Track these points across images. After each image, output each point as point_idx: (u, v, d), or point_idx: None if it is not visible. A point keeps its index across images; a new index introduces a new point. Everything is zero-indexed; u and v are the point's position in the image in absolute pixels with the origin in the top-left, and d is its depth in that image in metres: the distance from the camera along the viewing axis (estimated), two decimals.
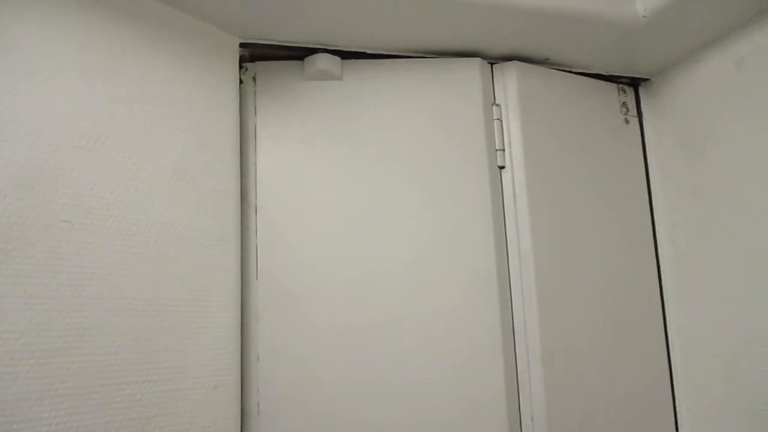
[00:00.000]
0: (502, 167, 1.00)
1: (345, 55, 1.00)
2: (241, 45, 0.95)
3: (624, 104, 1.13)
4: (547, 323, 0.95)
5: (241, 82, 0.97)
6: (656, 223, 1.10)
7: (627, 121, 1.13)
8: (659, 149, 1.11)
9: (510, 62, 1.04)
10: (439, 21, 0.94)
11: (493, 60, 1.04)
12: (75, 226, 0.70)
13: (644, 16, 0.95)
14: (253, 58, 0.99)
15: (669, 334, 1.07)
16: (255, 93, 0.98)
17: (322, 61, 0.98)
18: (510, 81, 1.03)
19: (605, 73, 1.11)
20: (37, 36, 0.72)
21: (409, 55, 1.02)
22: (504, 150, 1.01)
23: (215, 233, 0.86)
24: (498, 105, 1.02)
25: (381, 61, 1.01)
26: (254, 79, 0.99)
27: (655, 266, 1.09)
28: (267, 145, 0.97)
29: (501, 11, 0.92)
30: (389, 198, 0.97)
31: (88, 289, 0.71)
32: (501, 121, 1.02)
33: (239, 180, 0.92)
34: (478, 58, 1.02)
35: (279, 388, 0.89)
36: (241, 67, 0.97)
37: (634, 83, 1.15)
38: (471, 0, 0.90)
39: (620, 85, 1.14)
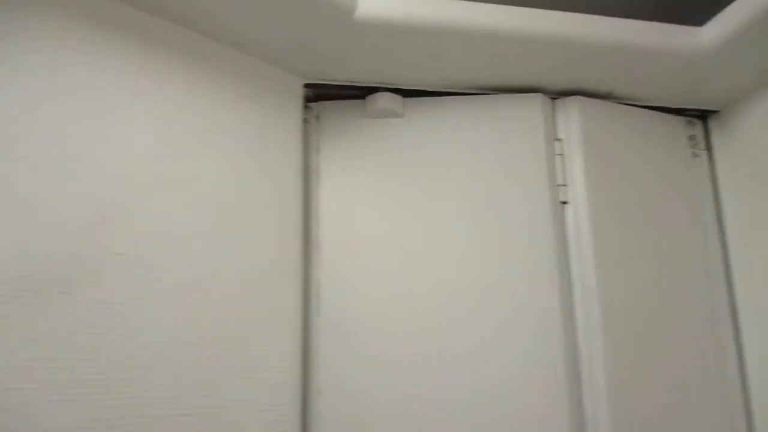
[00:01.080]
0: (564, 202, 0.99)
1: (406, 93, 1.01)
2: (305, 85, 0.98)
3: (692, 137, 1.10)
4: (614, 365, 0.93)
5: (305, 121, 0.99)
6: (730, 261, 1.06)
7: (695, 155, 1.09)
8: (731, 184, 1.07)
9: (572, 97, 1.03)
10: (500, 58, 0.95)
11: (555, 95, 1.04)
12: (140, 260, 0.73)
13: (710, 46, 0.93)
14: (317, 98, 1.01)
15: (747, 376, 1.01)
16: (318, 131, 1.00)
17: (384, 100, 1.00)
18: (572, 116, 1.02)
19: (672, 106, 1.09)
20: (114, 73, 0.76)
21: (470, 92, 1.02)
22: (566, 185, 0.99)
23: (277, 269, 0.87)
24: (560, 140, 1.02)
25: (442, 99, 1.02)
26: (317, 118, 1.01)
27: (729, 305, 1.04)
28: (329, 183, 0.98)
29: (562, 47, 0.92)
30: (450, 234, 0.97)
31: (150, 323, 0.73)
32: (563, 157, 1.01)
33: (302, 217, 0.94)
34: (540, 94, 1.02)
35: (340, 421, 0.89)
36: (305, 106, 0.99)
37: (703, 115, 1.12)
38: (532, 36, 0.90)
39: (688, 118, 1.11)
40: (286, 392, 0.84)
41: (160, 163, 0.78)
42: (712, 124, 1.12)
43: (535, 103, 1.02)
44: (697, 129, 1.12)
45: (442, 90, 1.02)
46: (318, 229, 0.96)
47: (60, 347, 0.66)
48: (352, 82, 0.99)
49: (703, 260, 1.05)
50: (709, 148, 1.11)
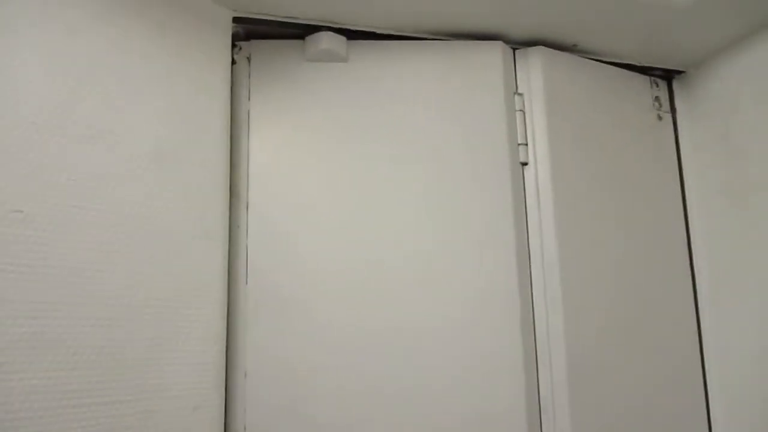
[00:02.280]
0: (524, 164, 0.90)
1: (351, 34, 0.89)
2: (235, 20, 0.85)
3: (657, 99, 1.03)
4: (573, 336, 0.85)
5: (233, 62, 0.87)
6: (691, 229, 1.00)
7: (660, 118, 1.02)
8: (695, 149, 1.01)
9: (535, 47, 0.94)
10: None
11: (516, 44, 0.94)
12: (29, 216, 0.59)
13: None
14: (249, 36, 0.89)
15: (704, 348, 0.96)
16: (249, 74, 0.88)
17: (326, 41, 0.87)
18: (534, 68, 0.93)
19: (637, 64, 1.01)
20: None
21: (423, 36, 0.92)
22: (527, 144, 0.90)
23: (199, 230, 0.76)
24: (521, 94, 0.92)
25: (391, 43, 0.91)
26: (249, 59, 0.88)
27: (690, 274, 0.99)
28: (261, 133, 0.86)
29: None
30: (397, 195, 0.86)
31: (46, 292, 0.60)
32: (524, 113, 0.91)
33: (228, 171, 0.82)
34: (500, 42, 0.92)
35: (270, 407, 0.78)
36: (234, 45, 0.87)
37: (668, 76, 1.05)
38: None
39: (653, 78, 1.04)
40: (207, 374, 0.74)
41: (51, 101, 0.64)
42: (677, 85, 1.05)
43: (495, 52, 0.92)
44: (662, 90, 1.04)
45: (392, 33, 0.91)
46: (248, 186, 0.84)
47: None
48: (289, 18, 0.86)
49: (666, 226, 0.98)
50: (673, 110, 1.04)
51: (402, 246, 0.85)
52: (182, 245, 0.73)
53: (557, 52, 0.95)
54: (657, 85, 1.04)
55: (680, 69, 1.03)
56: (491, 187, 0.88)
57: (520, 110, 0.91)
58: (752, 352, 0.90)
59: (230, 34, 0.85)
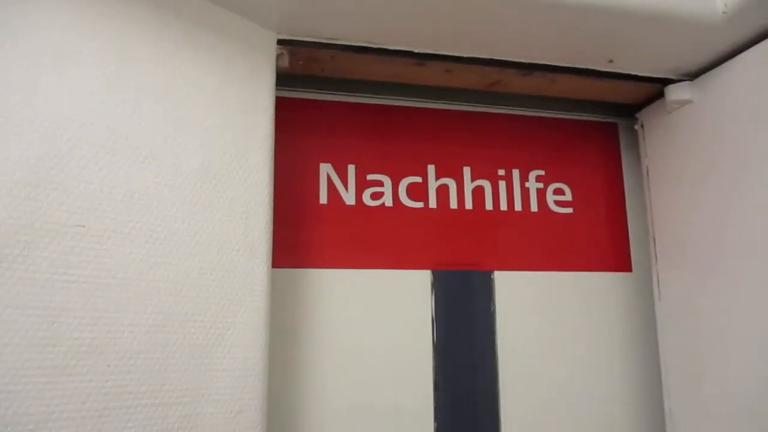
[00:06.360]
0: None
1: None
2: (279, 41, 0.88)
3: None
4: None
5: (635, 130, 1.07)
6: None
7: None
8: None
9: None
10: None
11: None
12: (89, 231, 0.63)
13: (724, 12, 0.84)
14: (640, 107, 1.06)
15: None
16: (644, 137, 1.06)
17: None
18: None
19: None
20: (54, 24, 0.64)
21: None
22: None
23: (244, 243, 0.78)
24: None
25: None
26: (642, 126, 1.06)
27: None
28: (660, 187, 1.03)
29: None
30: None
31: (101, 302, 0.63)
32: None
33: (272, 186, 0.84)
34: None
35: None
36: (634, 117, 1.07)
37: None
38: None
39: None
40: (248, 381, 0.73)
41: (108, 122, 0.65)
42: None
43: None
44: None
45: None
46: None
47: None
48: (332, 39, 0.88)
49: None
50: None
51: None
52: (228, 257, 0.75)
53: None
54: None
55: None
56: None
57: None
58: None
59: (275, 55, 0.88)
